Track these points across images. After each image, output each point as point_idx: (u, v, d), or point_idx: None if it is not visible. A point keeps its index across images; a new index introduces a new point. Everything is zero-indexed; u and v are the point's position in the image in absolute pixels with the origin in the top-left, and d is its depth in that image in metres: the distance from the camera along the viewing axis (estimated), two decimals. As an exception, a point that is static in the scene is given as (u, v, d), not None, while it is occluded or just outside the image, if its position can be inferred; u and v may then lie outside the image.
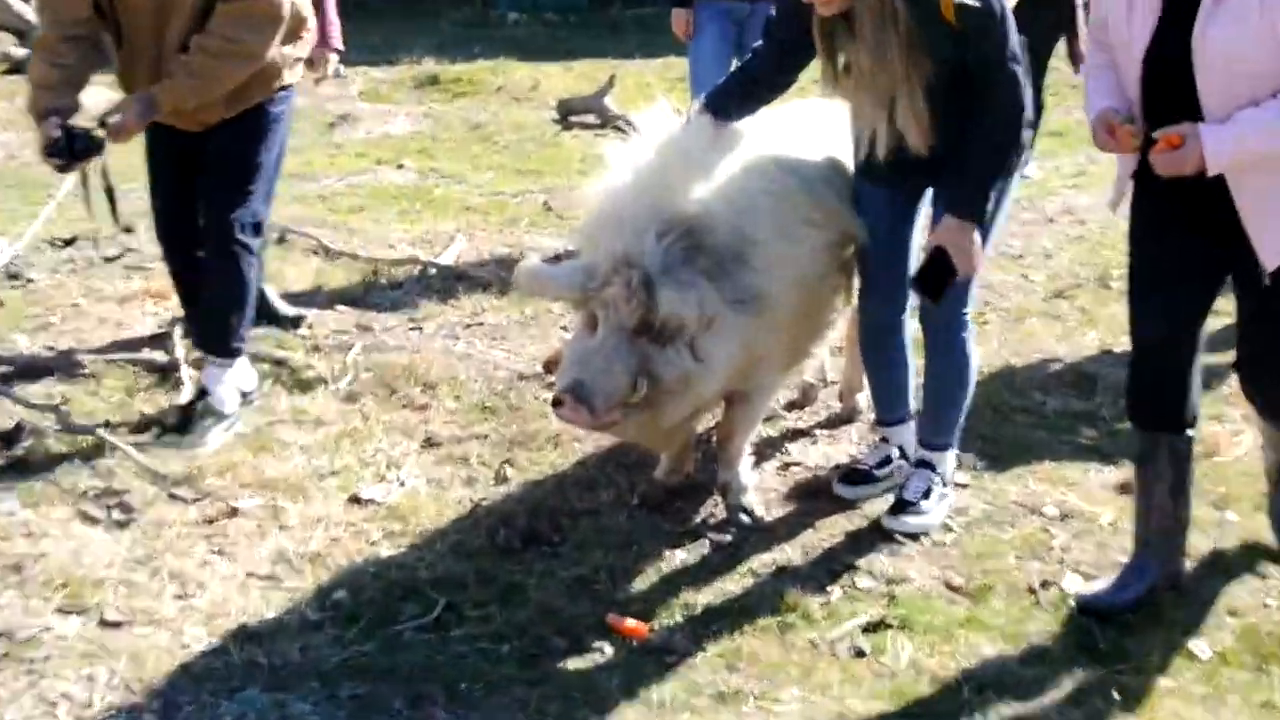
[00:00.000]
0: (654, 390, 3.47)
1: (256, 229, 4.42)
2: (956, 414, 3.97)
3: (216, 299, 4.46)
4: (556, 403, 3.44)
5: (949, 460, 4.03)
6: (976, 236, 3.56)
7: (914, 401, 4.15)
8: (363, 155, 8.68)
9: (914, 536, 3.87)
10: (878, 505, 4.04)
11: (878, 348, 4.04)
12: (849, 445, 4.51)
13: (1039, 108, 3.73)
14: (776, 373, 3.99)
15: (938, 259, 3.57)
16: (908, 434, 4.14)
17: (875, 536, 3.89)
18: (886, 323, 3.97)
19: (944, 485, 4.00)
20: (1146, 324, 3.43)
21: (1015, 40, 3.50)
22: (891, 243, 3.85)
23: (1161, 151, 3.14)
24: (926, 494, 3.94)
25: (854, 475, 4.15)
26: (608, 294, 3.47)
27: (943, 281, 3.59)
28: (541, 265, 3.67)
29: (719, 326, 3.53)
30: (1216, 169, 3.11)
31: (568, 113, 9.71)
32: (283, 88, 4.42)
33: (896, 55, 3.46)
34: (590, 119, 9.59)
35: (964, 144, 3.54)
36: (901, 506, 3.93)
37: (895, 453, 4.15)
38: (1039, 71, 6.80)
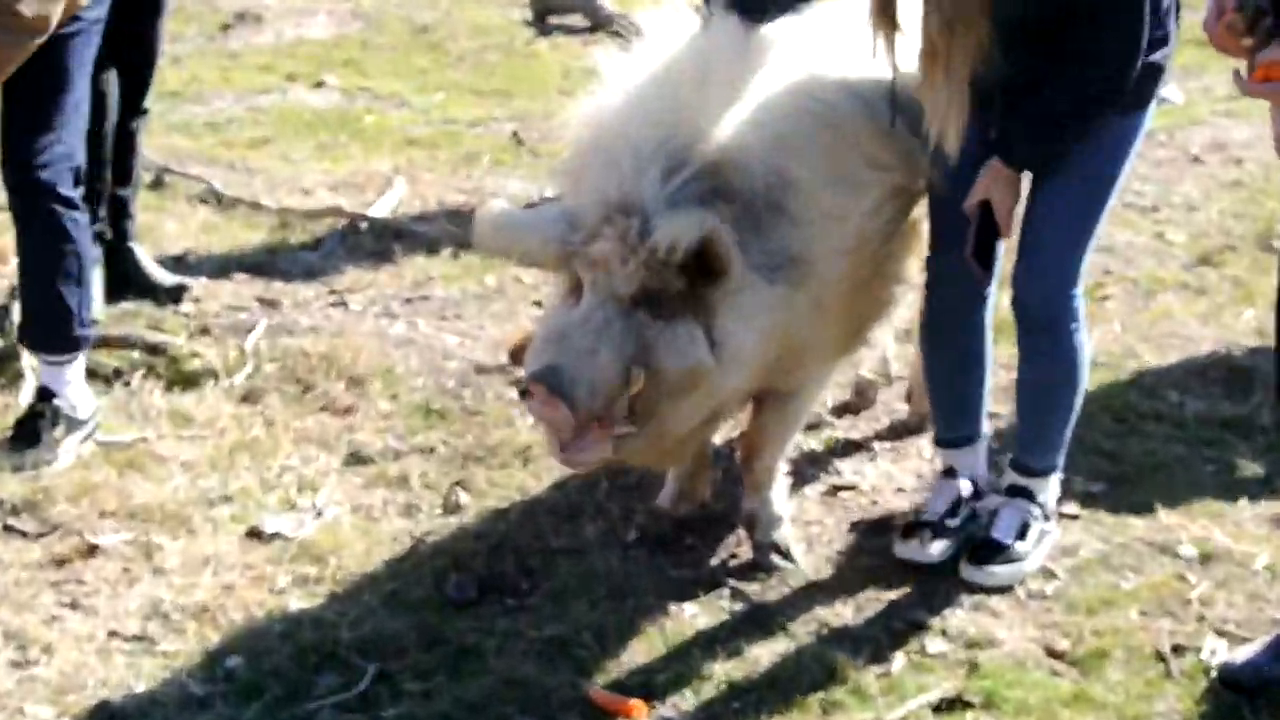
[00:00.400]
0: (654, 383, 3.46)
1: (75, 176, 4.42)
2: (1062, 426, 3.99)
3: (38, 278, 4.45)
4: (524, 394, 3.45)
5: (1052, 486, 4.05)
6: (1020, 190, 3.66)
7: (990, 407, 4.16)
8: (268, 69, 8.69)
9: (1005, 588, 3.92)
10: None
11: (944, 333, 4.01)
12: (918, 461, 4.55)
13: (1176, 7, 3.73)
14: (823, 365, 4.02)
15: (986, 215, 3.64)
16: (978, 458, 4.14)
17: (952, 585, 3.93)
18: (960, 302, 3.95)
19: (1045, 519, 4.02)
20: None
21: None
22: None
23: (1262, 81, 3.12)
24: (1022, 532, 3.96)
25: (917, 530, 4.06)
26: (596, 250, 3.49)
27: (985, 246, 3.68)
28: (509, 211, 3.70)
29: (744, 299, 3.54)
30: None
31: (545, 11, 9.73)
32: None
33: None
34: (575, 20, 9.61)
35: (1057, 62, 3.56)
36: (988, 550, 3.94)
37: (966, 488, 4.11)
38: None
